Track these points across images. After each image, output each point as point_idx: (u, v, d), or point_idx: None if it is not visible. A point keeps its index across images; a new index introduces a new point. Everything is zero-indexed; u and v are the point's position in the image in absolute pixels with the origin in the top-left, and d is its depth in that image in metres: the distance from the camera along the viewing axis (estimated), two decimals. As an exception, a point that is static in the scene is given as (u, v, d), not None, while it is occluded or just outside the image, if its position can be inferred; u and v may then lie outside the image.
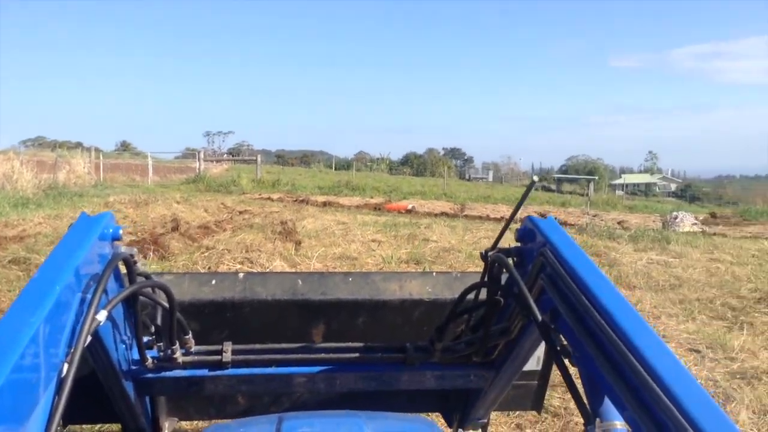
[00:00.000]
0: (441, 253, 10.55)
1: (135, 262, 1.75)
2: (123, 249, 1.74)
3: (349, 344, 2.13)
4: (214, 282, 2.29)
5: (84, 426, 3.99)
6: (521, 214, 2.07)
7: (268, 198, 23.10)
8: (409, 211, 20.34)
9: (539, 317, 1.57)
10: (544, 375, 2.58)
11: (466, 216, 19.52)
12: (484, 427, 2.60)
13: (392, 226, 14.24)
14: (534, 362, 2.43)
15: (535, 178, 2.00)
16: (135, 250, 1.80)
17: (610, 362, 1.31)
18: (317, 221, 14.53)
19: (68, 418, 2.32)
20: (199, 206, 16.53)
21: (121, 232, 1.76)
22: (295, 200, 22.47)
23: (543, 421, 4.53)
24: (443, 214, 19.98)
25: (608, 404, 1.41)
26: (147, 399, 2.25)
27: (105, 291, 1.49)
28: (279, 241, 10.76)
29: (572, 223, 18.60)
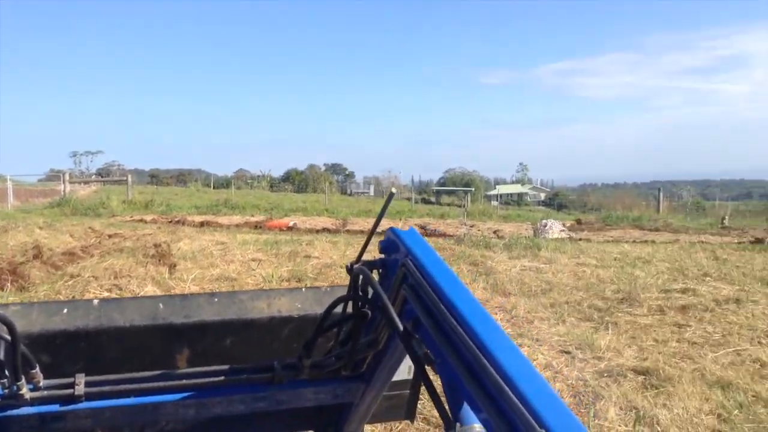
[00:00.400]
0: (323, 270, 10.49)
1: None
2: None
3: (214, 367, 2.05)
4: (65, 310, 2.14)
5: None
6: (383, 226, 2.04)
7: (141, 220, 22.06)
8: (290, 228, 20.12)
9: (400, 327, 1.60)
10: (415, 384, 2.60)
11: (348, 231, 19.57)
12: None
13: (273, 243, 14.02)
14: (405, 372, 2.45)
15: (393, 190, 2.01)
16: None
17: (467, 368, 1.35)
18: (194, 242, 14.03)
19: None
20: (64, 231, 15.48)
21: None
22: (171, 221, 21.59)
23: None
24: (325, 230, 19.93)
25: (468, 409, 1.45)
26: None
27: None
28: (152, 265, 10.26)
29: (451, 234, 19.11)
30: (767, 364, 5.88)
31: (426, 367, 1.57)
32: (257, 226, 20.46)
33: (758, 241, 15.73)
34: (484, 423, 1.34)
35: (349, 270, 1.96)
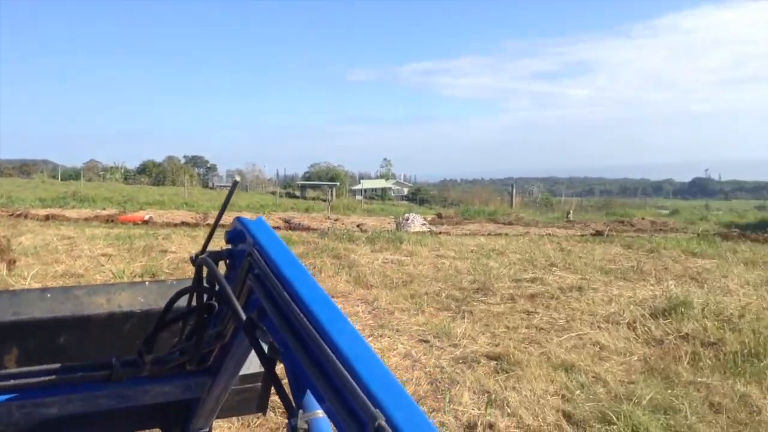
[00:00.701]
0: (180, 264, 10.09)
1: None
2: None
3: (45, 366, 1.91)
4: None
5: None
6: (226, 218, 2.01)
7: (-24, 213, 20.17)
8: (146, 222, 19.18)
9: (243, 316, 1.58)
10: (267, 377, 2.57)
11: (208, 225, 18.98)
12: None
13: (126, 238, 13.30)
14: (257, 365, 2.40)
15: (237, 178, 1.96)
16: None
17: (310, 356, 1.36)
18: (37, 237, 13.02)
19: None
20: None
21: None
22: (11, 215, 19.88)
23: (283, 427, 4.51)
24: (184, 224, 19.19)
25: (310, 396, 1.46)
26: None
27: None
28: (-12, 261, 9.39)
29: (315, 227, 19.08)
30: (605, 347, 6.36)
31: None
32: (109, 220, 19.34)
33: (598, 233, 17.04)
34: (325, 409, 1.35)
35: (194, 261, 1.90)
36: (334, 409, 1.27)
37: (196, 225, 18.90)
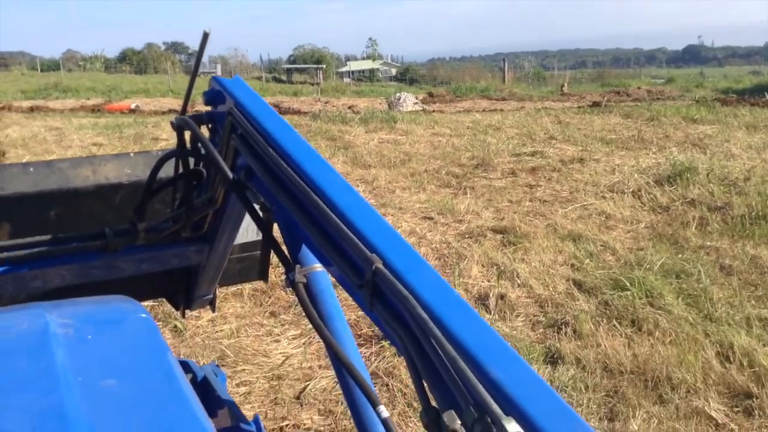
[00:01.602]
0: (152, 150, 9.89)
1: None
2: None
3: (39, 237, 1.94)
4: None
5: None
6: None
7: (-43, 108, 19.57)
8: (133, 111, 18.63)
9: (230, 176, 1.56)
10: (265, 243, 2.55)
11: (197, 111, 18.46)
12: (212, 302, 2.61)
13: (115, 127, 12.98)
14: (254, 233, 2.42)
15: (207, 30, 1.82)
16: None
17: (302, 210, 1.36)
18: (24, 129, 12.68)
19: None
20: None
21: None
22: (-7, 108, 19.33)
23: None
24: (172, 111, 18.62)
25: (306, 251, 1.50)
26: None
27: None
28: (-25, 154, 9.17)
29: (306, 111, 18.67)
30: (612, 216, 6.34)
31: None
32: (95, 110, 18.79)
33: (596, 104, 16.76)
34: (322, 261, 1.37)
35: (174, 125, 1.84)
36: (330, 260, 1.26)
37: (184, 112, 18.46)
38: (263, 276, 2.68)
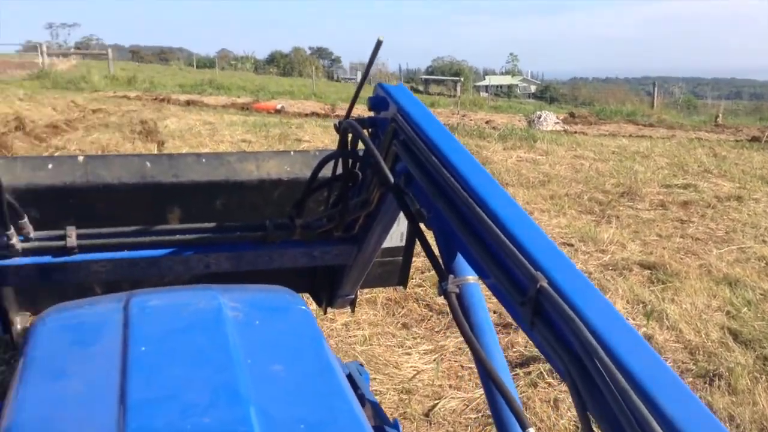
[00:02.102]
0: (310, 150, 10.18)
1: None
2: None
3: (207, 224, 2.07)
4: (50, 166, 2.08)
5: None
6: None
7: (125, 96, 21.24)
8: (278, 111, 19.44)
9: (391, 179, 1.58)
10: (408, 250, 2.63)
11: (337, 116, 19.00)
12: (352, 303, 2.66)
13: (262, 126, 13.59)
14: (398, 238, 2.49)
15: (381, 38, 1.84)
16: None
17: (461, 219, 1.35)
18: (181, 121, 13.56)
19: None
20: (46, 104, 14.85)
21: None
22: (155, 99, 20.78)
23: (429, 319, 4.47)
24: (314, 114, 19.31)
25: (460, 261, 1.47)
26: None
27: None
28: (139, 141, 9.90)
29: (443, 123, 18.66)
30: (774, 262, 5.79)
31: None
32: (244, 108, 19.80)
33: (755, 139, 15.53)
34: (480, 272, 1.35)
35: (338, 127, 1.92)
36: (489, 273, 1.24)
37: (325, 115, 19.00)
38: (403, 282, 2.80)
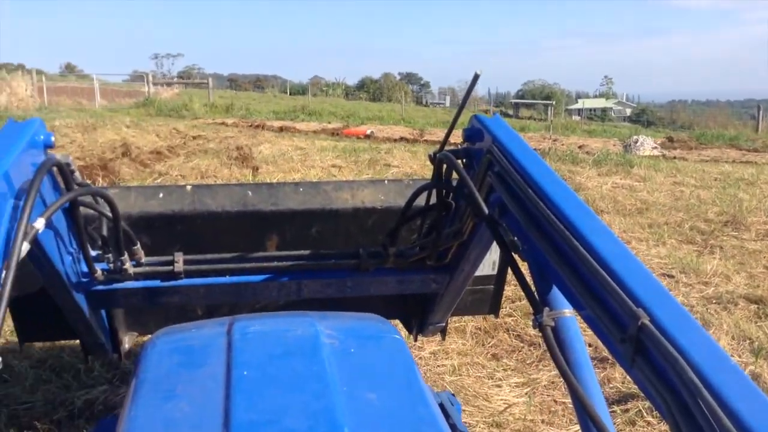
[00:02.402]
0: (403, 179, 10.24)
1: (72, 171, 1.69)
2: (58, 157, 1.65)
3: (303, 252, 2.15)
4: (161, 195, 2.24)
5: (43, 344, 3.91)
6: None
7: (222, 123, 22.20)
8: (368, 137, 19.79)
9: (485, 210, 1.59)
10: (499, 279, 2.62)
11: (426, 141, 19.12)
12: (443, 330, 2.68)
13: (352, 151, 13.82)
14: (489, 267, 2.49)
15: (478, 71, 1.86)
16: (71, 158, 1.73)
17: (558, 252, 1.34)
18: (274, 147, 14.00)
19: (24, 336, 2.44)
20: (150, 131, 15.73)
21: (53, 139, 1.69)
22: (251, 125, 21.63)
23: (520, 350, 4.36)
24: (402, 139, 19.49)
25: (556, 294, 1.46)
26: (103, 313, 2.24)
27: (43, 200, 1.45)
28: (235, 166, 10.29)
29: (534, 147, 18.38)
30: None
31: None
32: (334, 133, 20.26)
33: None
34: (576, 305, 1.33)
35: (432, 158, 1.94)
36: (588, 308, 1.22)
37: (414, 141, 19.13)
38: (494, 310, 2.78)
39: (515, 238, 1.57)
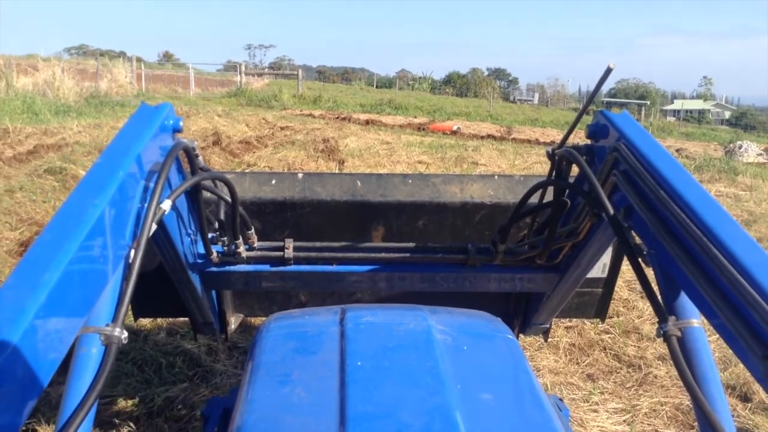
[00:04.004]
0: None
1: (197, 156, 1.75)
2: (185, 141, 1.71)
3: (410, 244, 2.13)
4: (274, 181, 2.30)
5: (153, 321, 4.06)
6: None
7: (310, 114, 22.46)
8: (454, 132, 19.46)
9: (611, 211, 1.53)
10: (609, 283, 2.52)
11: (513, 139, 18.64)
12: (546, 332, 2.61)
13: (438, 147, 13.64)
14: (599, 269, 2.40)
15: (612, 65, 1.78)
16: (196, 142, 1.78)
17: (692, 259, 1.26)
18: (360, 140, 13.99)
19: (138, 311, 2.51)
20: (241, 120, 16.06)
21: (181, 124, 1.74)
22: (337, 117, 21.76)
23: (618, 372, 4.07)
24: (489, 136, 19.07)
25: (683, 302, 1.40)
26: (213, 294, 2.31)
27: (168, 183, 1.49)
28: (322, 159, 10.28)
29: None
30: None
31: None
32: (420, 128, 20.07)
33: None
34: (709, 316, 1.26)
35: (551, 155, 1.89)
36: (724, 320, 1.15)
37: (501, 138, 18.69)
38: (600, 314, 2.68)
39: (640, 242, 1.51)
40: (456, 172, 10.47)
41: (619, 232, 1.51)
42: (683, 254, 1.29)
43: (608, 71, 1.79)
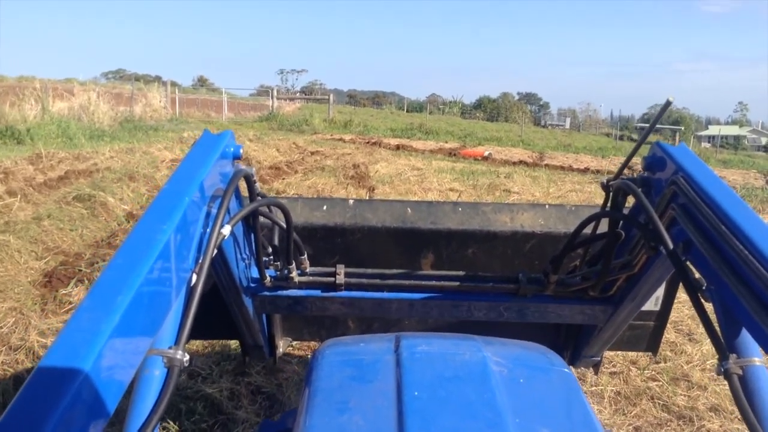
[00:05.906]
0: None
1: (255, 182, 1.79)
2: (245, 168, 1.75)
3: (461, 273, 2.12)
4: (325, 207, 2.32)
5: (203, 343, 4.10)
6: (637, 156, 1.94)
7: (340, 139, 22.43)
8: (485, 158, 19.21)
9: (670, 245, 1.50)
10: (662, 316, 2.50)
11: (546, 165, 18.35)
12: (597, 365, 2.57)
13: (470, 174, 13.44)
14: (652, 302, 2.38)
15: (671, 98, 1.75)
16: (254, 169, 1.81)
17: (754, 295, 1.24)
18: (390, 165, 13.85)
19: (191, 332, 2.25)
20: (271, 145, 16.06)
21: (241, 151, 1.78)
22: (367, 142, 21.68)
23: (668, 424, 3.79)
24: (521, 162, 18.79)
25: (745, 339, 1.38)
26: (264, 317, 2.35)
27: (228, 209, 1.51)
28: (351, 186, 10.14)
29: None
30: None
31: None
32: (451, 153, 19.89)
33: None
34: None
35: (606, 186, 1.90)
36: None
37: (534, 165, 18.42)
38: (653, 348, 2.64)
39: (700, 276, 1.49)
40: (489, 199, 10.25)
41: (678, 267, 1.50)
42: (745, 290, 1.27)
43: (668, 104, 1.76)
